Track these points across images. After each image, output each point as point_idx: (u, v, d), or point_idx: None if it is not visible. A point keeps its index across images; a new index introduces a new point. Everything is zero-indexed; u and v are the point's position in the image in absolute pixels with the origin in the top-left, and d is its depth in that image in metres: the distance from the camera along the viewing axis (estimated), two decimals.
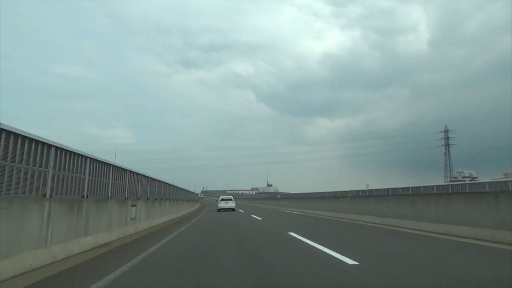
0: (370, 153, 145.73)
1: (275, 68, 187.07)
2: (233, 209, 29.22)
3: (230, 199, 30.67)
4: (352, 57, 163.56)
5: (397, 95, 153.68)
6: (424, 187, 24.20)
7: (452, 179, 66.09)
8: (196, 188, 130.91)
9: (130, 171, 10.80)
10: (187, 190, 31.61)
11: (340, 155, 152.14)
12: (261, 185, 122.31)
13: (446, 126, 73.74)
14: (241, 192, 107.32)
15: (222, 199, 30.77)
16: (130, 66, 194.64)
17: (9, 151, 4.49)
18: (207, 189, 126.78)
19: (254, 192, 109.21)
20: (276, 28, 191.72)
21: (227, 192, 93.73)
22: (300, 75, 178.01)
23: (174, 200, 20.63)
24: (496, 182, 22.67)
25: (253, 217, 18.15)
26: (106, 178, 8.51)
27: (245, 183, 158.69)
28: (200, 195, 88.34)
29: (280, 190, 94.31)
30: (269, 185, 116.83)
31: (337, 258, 5.11)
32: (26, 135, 4.87)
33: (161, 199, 16.16)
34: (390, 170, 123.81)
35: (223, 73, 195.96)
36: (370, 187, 33.11)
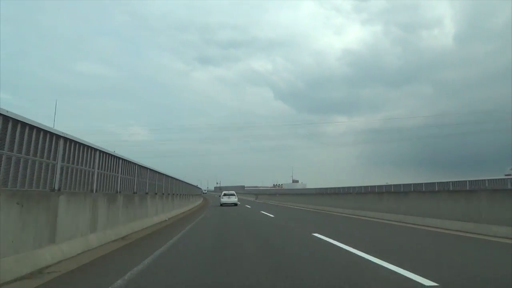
0: (389, 151, 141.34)
1: (293, 65, 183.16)
2: (235, 204, 29.25)
3: (233, 194, 30.74)
4: (373, 53, 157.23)
5: (419, 92, 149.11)
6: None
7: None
8: (209, 184, 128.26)
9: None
10: (185, 182, 24.40)
11: (358, 153, 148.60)
12: (284, 181, 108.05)
13: None
14: (261, 188, 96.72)
15: (225, 194, 31.00)
16: (148, 64, 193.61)
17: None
18: (221, 185, 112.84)
19: (275, 189, 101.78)
20: (295, 24, 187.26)
21: (245, 188, 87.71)
22: (319, 72, 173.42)
23: (168, 194, 15.58)
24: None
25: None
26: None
27: (267, 180, 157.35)
28: (204, 190, 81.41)
29: (308, 186, 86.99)
30: (295, 181, 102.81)
31: None
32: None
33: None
34: (411, 168, 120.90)
35: (241, 70, 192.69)
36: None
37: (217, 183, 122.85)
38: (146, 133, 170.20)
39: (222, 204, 29.11)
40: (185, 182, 24.10)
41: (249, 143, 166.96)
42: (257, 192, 60.14)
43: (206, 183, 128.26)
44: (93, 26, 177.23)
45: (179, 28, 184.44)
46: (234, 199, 29.83)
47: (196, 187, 41.85)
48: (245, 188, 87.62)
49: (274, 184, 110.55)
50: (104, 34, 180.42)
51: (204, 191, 76.03)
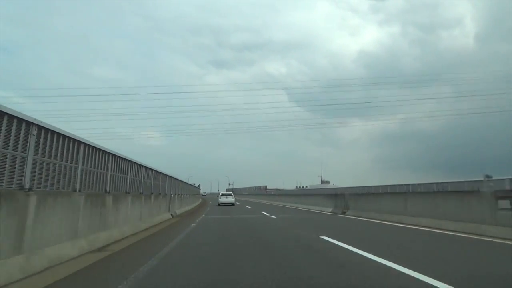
0: (405, 154, 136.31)
1: (308, 67, 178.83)
2: (232, 204, 31.40)
3: (230, 195, 33.42)
4: (390, 54, 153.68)
5: (437, 95, 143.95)
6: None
7: None
8: (220, 185, 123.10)
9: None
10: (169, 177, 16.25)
11: (374, 157, 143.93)
12: (309, 182, 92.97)
13: None
14: (281, 189, 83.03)
15: (223, 194, 33.63)
16: (162, 67, 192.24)
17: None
18: (234, 187, 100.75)
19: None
20: (310, 25, 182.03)
21: (267, 190, 74.22)
22: (334, 74, 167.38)
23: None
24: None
25: None
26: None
27: (288, 182, 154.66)
28: (204, 193, 73.10)
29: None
30: (324, 182, 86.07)
31: None
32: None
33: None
34: (426, 172, 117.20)
35: (255, 74, 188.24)
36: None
37: (229, 184, 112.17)
38: (159, 136, 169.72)
39: (220, 204, 31.12)
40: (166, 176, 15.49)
41: (263, 147, 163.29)
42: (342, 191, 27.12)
43: (217, 185, 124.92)
44: (107, 29, 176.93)
45: (193, 31, 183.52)
46: (231, 199, 32.21)
47: (195, 186, 40.55)
48: (268, 189, 68.79)
49: (296, 186, 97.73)
50: (118, 37, 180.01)
51: (203, 194, 69.10)
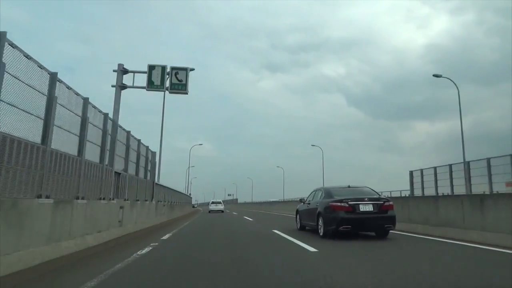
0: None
1: (369, 66, 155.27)
2: (222, 211, 33.65)
3: (220, 203, 36.26)
4: (462, 46, 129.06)
5: None
6: None
7: None
8: (253, 193, 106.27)
9: None
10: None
11: (439, 163, 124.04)
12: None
13: None
14: None
15: (213, 202, 36.27)
16: (216, 75, 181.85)
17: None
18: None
19: None
20: (372, 20, 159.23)
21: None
22: (399, 72, 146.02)
23: None
24: None
25: None
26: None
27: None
28: (195, 204, 63.40)
29: None
30: None
31: None
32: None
33: None
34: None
35: (311, 76, 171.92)
36: None
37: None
38: (212, 147, 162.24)
39: (210, 211, 32.93)
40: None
41: (317, 156, 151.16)
42: None
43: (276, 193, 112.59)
44: (161, 39, 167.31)
45: (247, 35, 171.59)
46: (220, 207, 34.44)
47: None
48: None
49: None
50: (172, 46, 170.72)
51: (194, 205, 58.55)
